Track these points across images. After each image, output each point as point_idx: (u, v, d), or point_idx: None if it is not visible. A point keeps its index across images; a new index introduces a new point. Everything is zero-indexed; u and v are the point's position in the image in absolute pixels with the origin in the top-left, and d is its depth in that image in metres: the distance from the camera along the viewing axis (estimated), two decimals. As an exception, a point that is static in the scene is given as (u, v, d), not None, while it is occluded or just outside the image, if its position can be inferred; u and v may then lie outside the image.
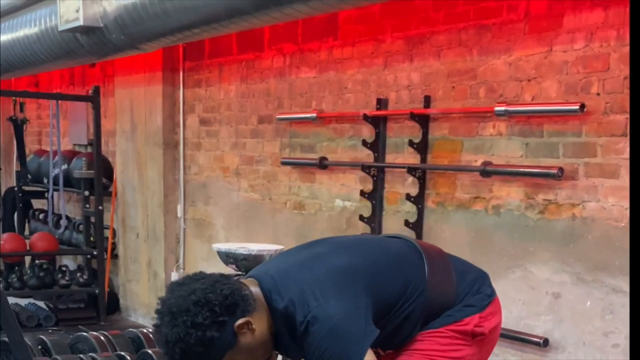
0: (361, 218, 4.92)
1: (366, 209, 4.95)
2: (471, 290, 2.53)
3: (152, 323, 2.39)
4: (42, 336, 4.66)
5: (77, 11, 5.69)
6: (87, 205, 7.48)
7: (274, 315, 2.37)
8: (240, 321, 2.29)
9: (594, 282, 3.74)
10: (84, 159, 7.49)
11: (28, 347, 2.99)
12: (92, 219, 7.44)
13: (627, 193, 3.59)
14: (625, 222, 3.61)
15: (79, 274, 7.44)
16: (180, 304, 2.28)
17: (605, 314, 3.69)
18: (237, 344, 2.31)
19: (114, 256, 7.71)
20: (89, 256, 7.51)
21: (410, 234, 4.58)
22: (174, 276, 6.89)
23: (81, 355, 4.33)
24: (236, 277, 2.49)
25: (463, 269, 2.60)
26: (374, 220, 4.88)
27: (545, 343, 3.90)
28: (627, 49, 3.58)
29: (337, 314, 2.29)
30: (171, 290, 2.35)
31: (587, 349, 3.76)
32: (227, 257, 4.48)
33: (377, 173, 4.86)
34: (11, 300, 6.70)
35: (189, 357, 2.28)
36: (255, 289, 2.39)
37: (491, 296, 2.57)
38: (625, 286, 3.61)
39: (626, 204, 3.60)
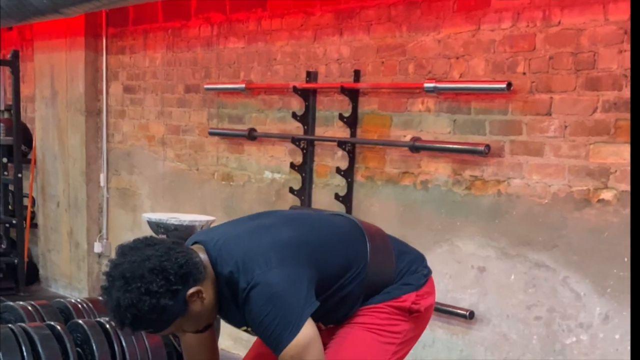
0: (291, 190, 4.95)
1: (296, 181, 4.97)
2: (409, 269, 2.63)
3: (101, 285, 2.35)
4: (-34, 307, 4.57)
5: (-4, -27, 5.50)
6: (5, 173, 7.29)
7: (219, 282, 2.39)
8: (192, 290, 2.31)
9: (517, 257, 3.87)
10: (1, 125, 7.27)
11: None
12: (11, 187, 7.27)
13: (550, 170, 3.72)
14: (548, 199, 3.73)
15: (-4, 243, 7.29)
16: (134, 269, 2.27)
17: (528, 288, 3.82)
18: (187, 311, 2.33)
19: (34, 225, 7.55)
20: (7, 225, 7.34)
21: (339, 207, 4.64)
22: (97, 246, 6.81)
23: (10, 325, 4.26)
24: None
25: (402, 249, 2.69)
26: (304, 193, 4.91)
27: (471, 315, 4.02)
28: (552, 30, 3.68)
29: (279, 283, 2.33)
30: (123, 254, 2.33)
31: (511, 321, 3.90)
32: (158, 227, 4.46)
33: (306, 146, 4.88)
34: None
35: (139, 323, 2.30)
36: (203, 256, 2.40)
37: (427, 276, 2.68)
38: (548, 261, 3.74)
39: (550, 181, 3.72)
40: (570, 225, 3.66)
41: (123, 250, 2.35)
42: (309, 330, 2.34)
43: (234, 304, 2.40)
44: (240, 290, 2.35)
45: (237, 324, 2.53)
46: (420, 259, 2.71)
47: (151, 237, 2.43)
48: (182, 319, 2.35)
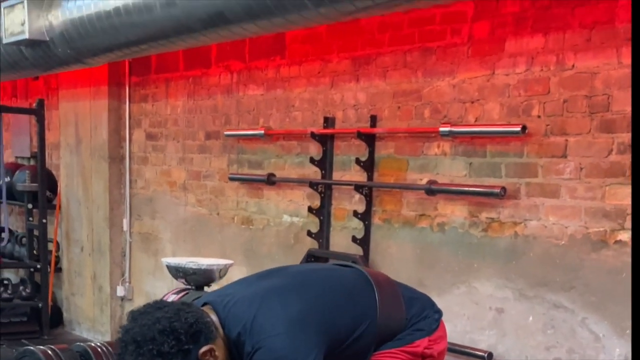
0: (309, 233, 5.00)
1: (314, 224, 5.02)
2: (420, 315, 2.67)
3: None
4: (-13, 350, 4.63)
5: (23, 24, 5.64)
6: (30, 218, 7.40)
7: (228, 343, 2.43)
8: (204, 348, 2.35)
9: (535, 298, 3.87)
10: (27, 171, 7.41)
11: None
12: (36, 232, 7.37)
13: (567, 212, 3.74)
14: (565, 240, 3.75)
15: (21, 288, 7.37)
16: (145, 332, 2.31)
17: (546, 329, 3.82)
18: None
19: (58, 269, 7.64)
20: (32, 269, 7.43)
21: (357, 249, 4.68)
22: (120, 290, 6.88)
23: (29, 370, 4.31)
24: (194, 299, 2.53)
25: (411, 295, 2.74)
26: (322, 235, 4.96)
27: (489, 357, 4.02)
28: (566, 73, 3.73)
29: (283, 348, 2.37)
30: (133, 319, 2.38)
31: (530, 362, 3.90)
32: (177, 272, 4.51)
33: (324, 190, 4.94)
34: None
35: None
36: (214, 317, 2.45)
37: (438, 320, 2.72)
38: (566, 302, 3.75)
39: (566, 222, 3.74)
40: (588, 267, 3.67)
41: (134, 315, 2.40)
42: None
43: None
44: (246, 353, 2.40)
45: None
46: (430, 304, 2.76)
47: (161, 300, 2.50)
48: None
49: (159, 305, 2.42)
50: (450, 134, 4.15)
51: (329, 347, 2.44)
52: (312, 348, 2.39)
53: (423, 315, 2.68)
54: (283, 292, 2.52)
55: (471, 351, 4.08)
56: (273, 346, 2.37)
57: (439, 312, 2.74)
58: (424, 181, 4.33)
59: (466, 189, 4.12)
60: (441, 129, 4.17)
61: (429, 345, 2.64)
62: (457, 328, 4.11)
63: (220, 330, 2.43)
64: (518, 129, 3.86)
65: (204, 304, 2.52)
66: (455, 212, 4.23)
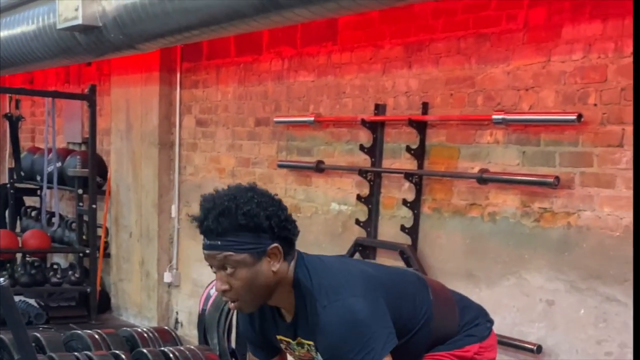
0: (357, 222, 4.96)
1: (362, 213, 4.98)
2: (473, 323, 2.66)
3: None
4: (35, 333, 4.68)
5: (76, 10, 5.71)
6: (81, 204, 7.47)
7: (297, 293, 2.37)
8: (274, 245, 2.29)
9: (587, 291, 3.79)
10: (78, 157, 7.49)
11: (32, 346, 3.00)
12: (85, 218, 7.45)
13: (622, 203, 3.65)
14: (620, 232, 3.66)
15: (70, 272, 7.43)
16: (262, 190, 2.34)
17: (598, 322, 3.74)
18: (259, 259, 2.28)
19: (106, 255, 7.71)
20: (81, 255, 7.50)
21: (405, 239, 4.64)
22: (167, 276, 6.92)
23: (76, 353, 4.35)
24: None
25: (465, 304, 2.72)
26: (370, 224, 4.92)
27: (538, 350, 3.94)
28: (625, 61, 3.63)
29: (363, 310, 2.31)
30: (220, 191, 2.35)
31: (580, 356, 3.81)
32: (223, 259, 4.50)
33: (373, 178, 4.89)
34: (3, 297, 6.69)
35: (225, 217, 2.24)
36: (292, 262, 2.39)
37: (490, 329, 2.70)
38: (619, 295, 3.66)
39: (622, 213, 3.65)
40: (643, 259, 3.58)
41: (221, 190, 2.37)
42: None
43: (298, 316, 2.38)
44: (320, 306, 2.31)
45: (275, 333, 2.49)
46: (483, 313, 2.74)
47: None
48: (246, 264, 2.26)
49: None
50: (503, 122, 4.08)
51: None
52: (387, 316, 2.36)
53: (475, 322, 2.66)
54: (357, 263, 2.57)
55: (520, 344, 4.01)
56: (354, 307, 2.29)
57: (491, 322, 2.73)
58: (476, 170, 4.26)
59: (519, 177, 4.05)
60: (494, 116, 4.10)
61: (479, 352, 2.62)
62: (506, 320, 4.05)
63: (292, 271, 2.36)
64: (574, 117, 3.77)
65: None
66: (507, 202, 4.15)
